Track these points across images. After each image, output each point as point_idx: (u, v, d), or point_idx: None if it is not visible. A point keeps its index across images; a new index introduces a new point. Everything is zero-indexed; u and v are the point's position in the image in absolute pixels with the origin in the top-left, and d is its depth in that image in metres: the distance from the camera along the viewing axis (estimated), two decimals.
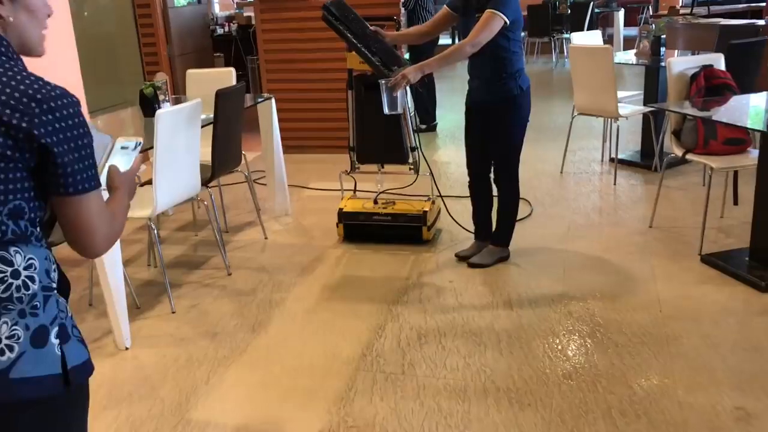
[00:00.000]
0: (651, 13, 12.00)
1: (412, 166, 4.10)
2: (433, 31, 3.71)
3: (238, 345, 3.06)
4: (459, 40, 3.49)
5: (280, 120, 4.57)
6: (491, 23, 3.26)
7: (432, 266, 3.78)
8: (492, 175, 3.68)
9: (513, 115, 3.51)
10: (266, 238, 4.31)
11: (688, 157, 3.86)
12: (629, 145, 5.84)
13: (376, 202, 4.14)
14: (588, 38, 5.89)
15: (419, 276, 3.66)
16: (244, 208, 4.85)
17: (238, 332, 3.17)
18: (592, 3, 10.83)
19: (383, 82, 3.38)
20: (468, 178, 3.77)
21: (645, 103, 5.38)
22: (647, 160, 5.38)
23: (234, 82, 4.57)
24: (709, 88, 3.90)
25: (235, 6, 10.51)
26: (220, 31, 9.41)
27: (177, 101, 4.60)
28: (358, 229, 4.13)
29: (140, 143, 1.44)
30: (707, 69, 3.94)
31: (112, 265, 3.01)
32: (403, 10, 6.00)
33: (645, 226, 4.17)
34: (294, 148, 6.17)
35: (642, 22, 12.19)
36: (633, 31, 12.08)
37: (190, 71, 4.77)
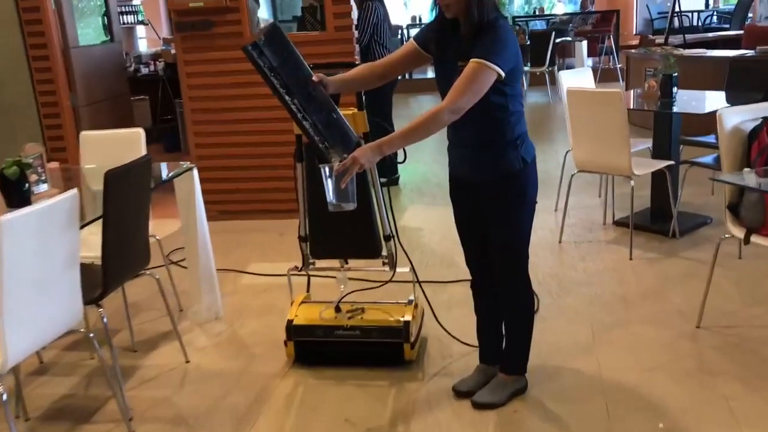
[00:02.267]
0: (614, 44, 11.31)
1: (386, 260, 3.03)
2: (389, 72, 2.58)
3: None
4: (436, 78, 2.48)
5: (208, 180, 3.45)
6: (479, 79, 2.24)
7: (422, 406, 2.70)
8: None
9: (515, 198, 2.50)
10: (188, 361, 3.15)
11: (754, 240, 2.92)
12: (634, 203, 4.83)
13: (338, 309, 3.05)
14: (577, 76, 4.96)
15: (407, 427, 2.58)
16: (160, 309, 3.62)
17: None
18: (553, 33, 10.06)
19: (325, 168, 2.29)
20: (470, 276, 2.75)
21: (654, 156, 4.47)
22: (659, 223, 4.45)
23: (143, 148, 3.45)
24: None
25: (162, 42, 9.35)
26: (144, 70, 8.33)
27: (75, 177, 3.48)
28: (315, 347, 3.02)
29: None
30: None
31: None
32: (357, 47, 4.98)
33: (691, 326, 3.19)
34: (226, 214, 5.05)
35: (603, 52, 11.52)
36: (588, 61, 11.39)
37: (84, 134, 3.62)
